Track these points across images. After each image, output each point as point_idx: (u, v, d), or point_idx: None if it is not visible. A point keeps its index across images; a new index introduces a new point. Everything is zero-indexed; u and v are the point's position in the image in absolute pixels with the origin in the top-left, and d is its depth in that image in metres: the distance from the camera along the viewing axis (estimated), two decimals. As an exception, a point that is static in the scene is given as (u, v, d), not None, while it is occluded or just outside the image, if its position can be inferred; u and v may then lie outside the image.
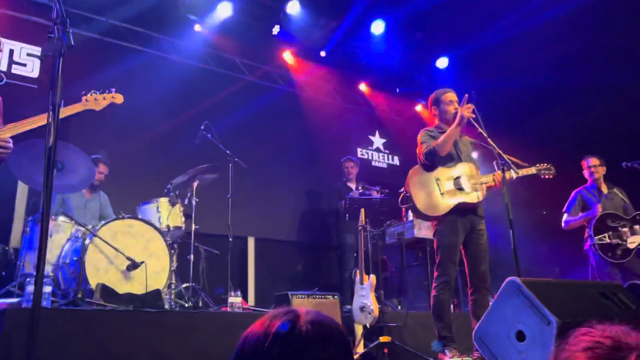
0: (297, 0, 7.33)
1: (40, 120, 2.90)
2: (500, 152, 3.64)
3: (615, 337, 0.97)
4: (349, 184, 6.87)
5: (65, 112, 3.08)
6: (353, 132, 8.59)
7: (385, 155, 8.89)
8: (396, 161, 8.87)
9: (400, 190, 4.40)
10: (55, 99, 1.79)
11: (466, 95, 3.94)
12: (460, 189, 3.85)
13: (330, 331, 1.09)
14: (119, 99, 3.47)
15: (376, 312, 4.71)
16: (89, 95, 3.31)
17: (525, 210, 7.37)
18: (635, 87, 6.32)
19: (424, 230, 5.96)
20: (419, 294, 6.61)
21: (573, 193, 5.40)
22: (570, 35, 7.05)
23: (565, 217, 5.37)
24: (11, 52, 5.89)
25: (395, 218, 6.10)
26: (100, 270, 3.96)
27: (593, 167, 5.28)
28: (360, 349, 4.52)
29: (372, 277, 4.90)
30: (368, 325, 4.73)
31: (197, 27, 7.02)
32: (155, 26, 6.76)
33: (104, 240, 3.95)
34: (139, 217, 4.52)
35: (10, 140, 2.65)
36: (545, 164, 3.98)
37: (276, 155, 7.30)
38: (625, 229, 4.95)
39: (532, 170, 3.93)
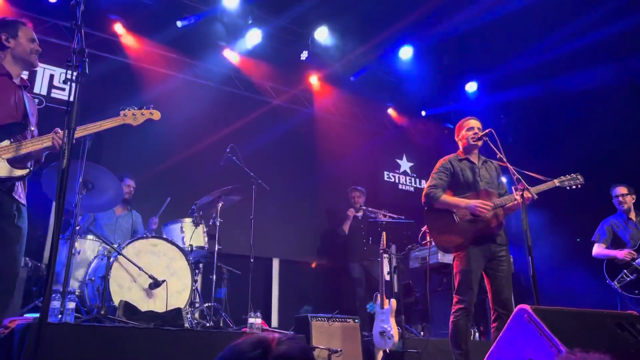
0: (326, 26, 7.48)
1: (107, 124, 3.05)
2: (519, 176, 3.59)
3: None
4: (355, 213, 6.92)
5: (103, 125, 3.17)
6: (380, 156, 8.62)
7: (413, 178, 8.87)
8: (423, 184, 8.82)
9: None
10: (71, 123, 1.88)
11: (489, 130, 3.93)
12: (476, 217, 3.81)
13: None
14: (156, 115, 3.47)
15: (396, 338, 4.67)
16: (127, 110, 3.36)
17: (560, 237, 7.21)
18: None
19: (448, 256, 5.88)
20: (445, 320, 6.48)
21: (601, 223, 5.26)
22: (601, 61, 6.99)
23: (595, 248, 5.21)
24: (51, 77, 6.19)
25: (418, 242, 6.06)
26: (124, 287, 4.06)
27: (621, 196, 5.15)
28: (379, 374, 4.48)
29: (393, 301, 4.87)
30: (388, 351, 4.69)
31: (227, 53, 7.23)
32: (187, 52, 7.00)
33: (127, 259, 4.06)
34: (163, 236, 4.62)
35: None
36: (571, 175, 3.87)
37: (302, 178, 7.38)
38: (638, 259, 4.78)
39: (555, 183, 3.82)
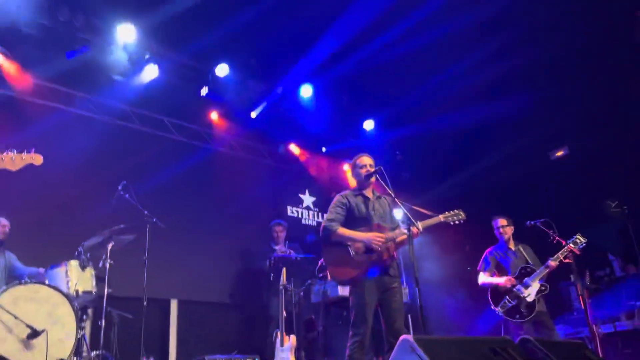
0: (226, 63, 7.51)
1: None
2: (405, 210, 3.79)
3: None
4: (275, 247, 6.88)
5: None
6: (283, 191, 8.68)
7: (315, 213, 9.01)
8: (326, 219, 8.99)
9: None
10: None
11: (379, 167, 4.13)
12: (370, 250, 3.95)
13: None
14: (37, 160, 3.33)
15: (296, 375, 4.64)
16: (4, 154, 3.17)
17: (451, 267, 7.63)
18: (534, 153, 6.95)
19: (347, 289, 5.99)
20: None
21: (485, 253, 5.62)
22: (484, 101, 7.66)
23: (480, 276, 5.55)
24: None
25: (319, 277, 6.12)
26: (-3, 340, 3.70)
27: (502, 227, 5.54)
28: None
29: (292, 337, 4.86)
30: (288, 388, 4.64)
31: (122, 87, 6.99)
32: (78, 85, 6.67)
33: (1, 307, 3.72)
34: (45, 281, 4.30)
35: None
36: (454, 211, 4.14)
37: (203, 215, 7.21)
38: (518, 286, 5.16)
39: (440, 218, 4.08)
